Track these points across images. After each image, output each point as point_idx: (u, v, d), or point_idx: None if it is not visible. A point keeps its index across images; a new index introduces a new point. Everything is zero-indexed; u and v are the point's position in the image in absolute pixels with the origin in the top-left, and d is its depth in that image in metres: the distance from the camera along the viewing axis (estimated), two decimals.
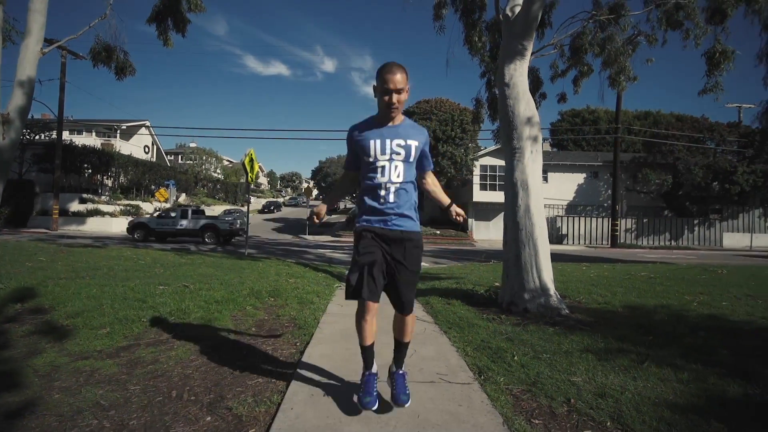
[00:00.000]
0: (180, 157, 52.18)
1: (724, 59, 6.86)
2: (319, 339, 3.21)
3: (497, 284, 5.89)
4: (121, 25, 8.88)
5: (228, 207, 38.04)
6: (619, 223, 23.11)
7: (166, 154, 42.91)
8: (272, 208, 45.30)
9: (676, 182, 24.15)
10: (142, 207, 26.19)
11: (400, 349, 2.17)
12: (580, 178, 27.54)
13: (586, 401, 2.20)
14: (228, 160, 60.13)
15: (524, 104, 4.93)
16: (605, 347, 3.08)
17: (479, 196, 26.30)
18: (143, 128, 35.64)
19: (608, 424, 1.99)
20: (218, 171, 50.46)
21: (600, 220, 25.24)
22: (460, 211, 2.25)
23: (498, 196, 26.03)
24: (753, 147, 23.54)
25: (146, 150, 36.08)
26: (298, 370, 2.54)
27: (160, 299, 4.20)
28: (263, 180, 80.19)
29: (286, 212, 46.81)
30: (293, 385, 2.32)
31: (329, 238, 24.11)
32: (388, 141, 2.00)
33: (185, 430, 1.88)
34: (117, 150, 29.68)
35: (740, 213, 25.09)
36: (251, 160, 10.50)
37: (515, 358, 2.84)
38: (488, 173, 26.51)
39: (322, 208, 2.25)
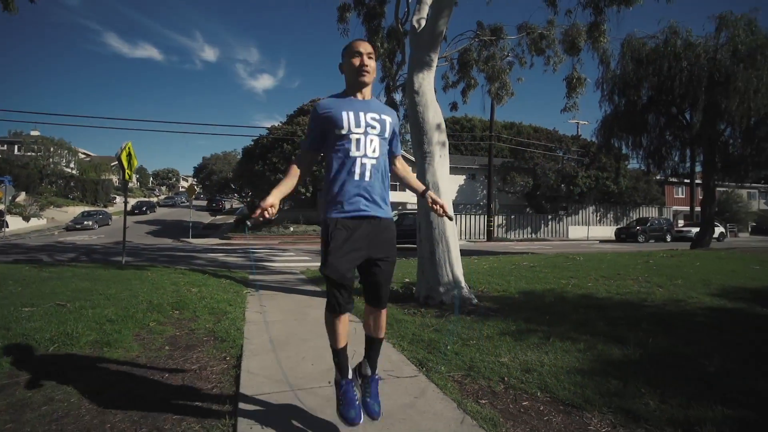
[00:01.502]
0: (17, 147, 42.20)
1: (579, 84, 8.40)
2: (251, 351, 3.01)
3: (407, 280, 6.22)
4: None
5: (87, 208, 32.40)
6: (493, 219, 26.27)
7: None
8: (144, 209, 39.86)
9: (536, 184, 28.64)
10: None
11: (375, 347, 1.98)
12: (461, 179, 30.53)
13: (517, 377, 2.52)
14: (85, 153, 50.78)
15: (433, 111, 5.29)
16: (517, 329, 3.53)
17: None
18: None
19: (539, 394, 2.31)
20: (72, 165, 42.35)
21: (477, 217, 28.30)
22: (438, 199, 1.99)
23: (397, 196, 27.20)
24: (589, 156, 29.19)
25: None
26: (241, 389, 2.35)
27: (31, 324, 3.43)
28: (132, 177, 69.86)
29: (162, 213, 41.64)
30: (242, 404, 2.14)
31: (217, 240, 22.26)
32: (362, 114, 1.83)
33: None
34: None
35: (580, 210, 30.80)
36: (129, 155, 9.11)
37: (448, 347, 3.07)
38: None
39: (274, 198, 1.71)
